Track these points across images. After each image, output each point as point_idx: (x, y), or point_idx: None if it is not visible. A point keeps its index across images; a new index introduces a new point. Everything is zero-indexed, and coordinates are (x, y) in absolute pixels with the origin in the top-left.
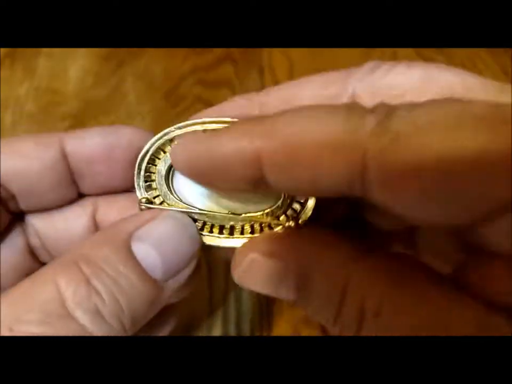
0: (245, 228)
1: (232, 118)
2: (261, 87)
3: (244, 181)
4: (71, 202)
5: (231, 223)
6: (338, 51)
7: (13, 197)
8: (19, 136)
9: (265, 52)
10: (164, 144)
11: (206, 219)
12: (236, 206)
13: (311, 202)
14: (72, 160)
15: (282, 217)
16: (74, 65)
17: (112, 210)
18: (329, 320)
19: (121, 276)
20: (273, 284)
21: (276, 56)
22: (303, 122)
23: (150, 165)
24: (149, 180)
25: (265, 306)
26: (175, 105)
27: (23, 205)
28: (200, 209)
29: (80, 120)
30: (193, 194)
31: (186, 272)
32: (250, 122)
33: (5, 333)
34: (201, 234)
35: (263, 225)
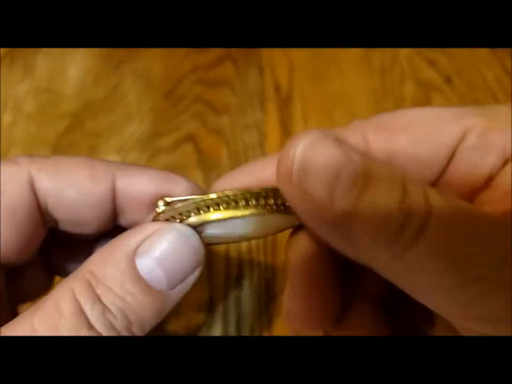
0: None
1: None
2: (261, 86)
3: None
4: (106, 233)
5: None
6: (338, 51)
7: (55, 221)
8: (74, 165)
9: (265, 51)
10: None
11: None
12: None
13: None
14: (120, 197)
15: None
16: (73, 65)
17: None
18: (393, 206)
19: (127, 294)
20: (336, 166)
21: (276, 56)
22: None
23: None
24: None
25: (265, 306)
26: (175, 105)
27: (64, 228)
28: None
29: (79, 119)
30: None
31: (192, 278)
32: None
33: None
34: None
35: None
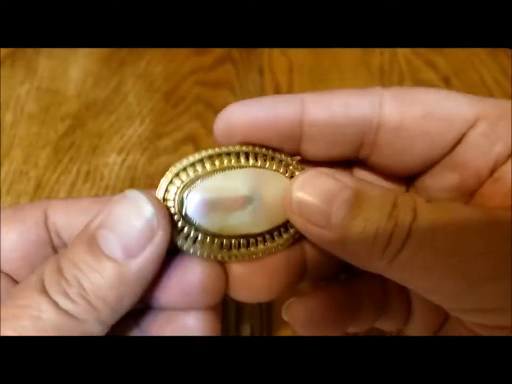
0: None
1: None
2: (261, 87)
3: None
4: None
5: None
6: (338, 51)
7: (64, 244)
8: (81, 197)
9: (265, 52)
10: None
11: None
12: (248, 225)
13: None
14: None
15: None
16: (74, 66)
17: None
18: (384, 217)
19: (82, 263)
20: (330, 194)
21: (276, 56)
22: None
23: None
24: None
25: (265, 306)
26: (175, 106)
27: None
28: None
29: (80, 120)
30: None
31: (152, 249)
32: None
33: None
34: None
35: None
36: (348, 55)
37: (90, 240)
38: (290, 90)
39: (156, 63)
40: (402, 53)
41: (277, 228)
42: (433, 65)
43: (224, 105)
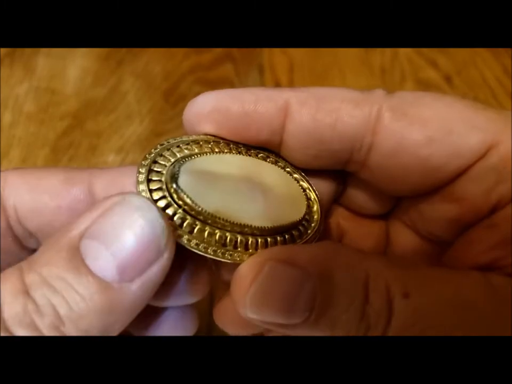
0: (250, 241)
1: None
2: (261, 86)
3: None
4: None
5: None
6: (338, 51)
7: (30, 234)
8: (49, 168)
9: (265, 51)
10: (162, 153)
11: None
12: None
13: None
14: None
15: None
16: (73, 65)
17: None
18: (355, 320)
19: (63, 284)
20: (291, 298)
21: (276, 56)
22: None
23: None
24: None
25: None
26: (174, 105)
27: (41, 239)
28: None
29: (79, 120)
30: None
31: (156, 269)
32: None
33: None
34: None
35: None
36: (349, 53)
37: (71, 251)
38: None
39: (155, 62)
40: (404, 52)
41: (281, 233)
42: (435, 64)
43: None
